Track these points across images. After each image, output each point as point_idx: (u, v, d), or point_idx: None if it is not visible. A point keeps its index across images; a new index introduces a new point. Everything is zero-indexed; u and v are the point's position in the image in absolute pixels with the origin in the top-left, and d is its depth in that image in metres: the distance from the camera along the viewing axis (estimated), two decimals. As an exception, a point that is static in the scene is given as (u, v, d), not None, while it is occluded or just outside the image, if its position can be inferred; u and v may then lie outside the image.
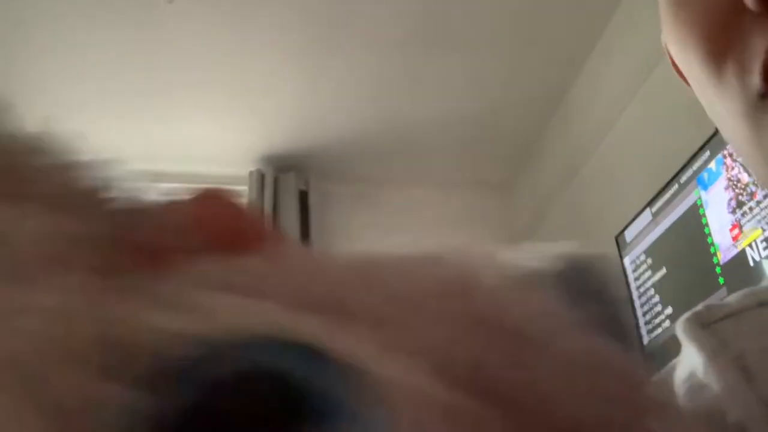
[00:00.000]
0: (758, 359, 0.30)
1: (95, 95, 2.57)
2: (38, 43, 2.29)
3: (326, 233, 3.02)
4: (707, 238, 1.55)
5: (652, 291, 1.80)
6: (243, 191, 2.96)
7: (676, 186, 1.72)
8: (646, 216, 1.86)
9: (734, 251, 1.45)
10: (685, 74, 0.34)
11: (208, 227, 0.16)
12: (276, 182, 2.98)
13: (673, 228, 1.72)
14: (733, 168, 1.50)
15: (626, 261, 1.96)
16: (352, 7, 2.22)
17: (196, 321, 0.12)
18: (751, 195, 1.42)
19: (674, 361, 0.35)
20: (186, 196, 0.17)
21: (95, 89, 2.54)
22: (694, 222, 1.62)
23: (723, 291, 1.48)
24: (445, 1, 2.22)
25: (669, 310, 1.70)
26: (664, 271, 1.75)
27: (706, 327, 0.32)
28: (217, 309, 0.13)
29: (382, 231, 3.18)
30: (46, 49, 2.33)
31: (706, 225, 1.56)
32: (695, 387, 0.31)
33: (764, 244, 1.35)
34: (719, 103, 0.31)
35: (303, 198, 3.00)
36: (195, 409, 0.11)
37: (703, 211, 1.58)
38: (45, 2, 2.13)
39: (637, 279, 1.89)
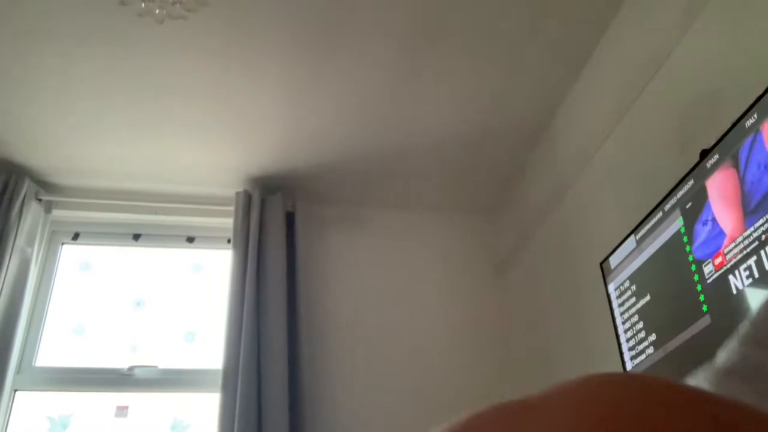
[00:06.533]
0: None
1: (94, 120, 2.57)
2: (39, 74, 2.29)
3: (312, 254, 3.02)
4: (691, 265, 1.56)
5: (636, 317, 1.80)
6: (229, 212, 2.95)
7: (660, 214, 1.73)
8: (630, 243, 1.87)
9: (718, 279, 1.46)
10: None
11: None
12: (263, 203, 2.97)
13: (657, 255, 1.73)
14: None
15: (611, 287, 1.97)
16: (337, 34, 2.24)
17: None
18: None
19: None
20: None
21: (94, 115, 2.54)
22: (677, 249, 1.63)
23: (706, 318, 1.48)
24: (431, 30, 2.24)
25: (653, 337, 1.70)
26: (648, 297, 1.76)
27: None
28: None
29: (366, 252, 3.18)
30: (48, 80, 2.33)
31: (690, 253, 1.57)
32: None
33: (747, 272, 1.36)
34: None
35: (289, 219, 2.99)
36: None
37: (687, 238, 1.60)
38: (45, 34, 2.14)
39: (621, 305, 1.90)
